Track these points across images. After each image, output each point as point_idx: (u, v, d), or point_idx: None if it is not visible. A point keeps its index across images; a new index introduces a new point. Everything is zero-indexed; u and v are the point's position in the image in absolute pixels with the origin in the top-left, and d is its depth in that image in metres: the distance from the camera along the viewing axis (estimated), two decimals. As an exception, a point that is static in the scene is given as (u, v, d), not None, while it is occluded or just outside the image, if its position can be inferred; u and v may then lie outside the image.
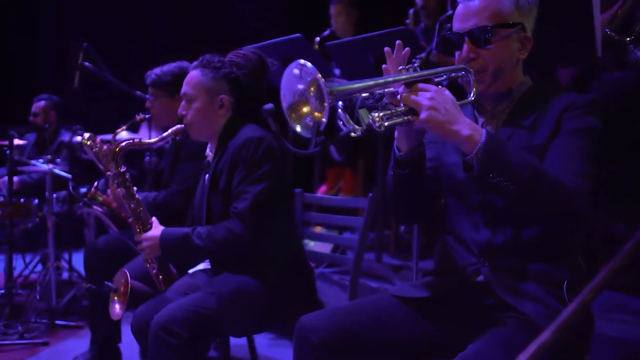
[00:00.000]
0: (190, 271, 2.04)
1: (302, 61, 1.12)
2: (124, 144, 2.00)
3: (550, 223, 1.29)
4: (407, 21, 3.85)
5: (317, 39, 4.07)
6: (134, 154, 3.73)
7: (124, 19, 6.11)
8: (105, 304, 1.94)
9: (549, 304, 1.30)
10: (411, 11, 3.85)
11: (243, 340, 2.35)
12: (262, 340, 2.77)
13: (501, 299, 1.32)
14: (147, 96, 2.64)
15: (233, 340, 2.21)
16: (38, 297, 3.20)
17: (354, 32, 3.98)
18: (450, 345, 1.39)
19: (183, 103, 1.95)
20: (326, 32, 4.13)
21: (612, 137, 1.53)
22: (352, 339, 1.36)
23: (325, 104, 1.09)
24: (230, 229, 1.78)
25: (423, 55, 2.31)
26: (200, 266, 2.04)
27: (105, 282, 1.93)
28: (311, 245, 2.98)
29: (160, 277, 1.97)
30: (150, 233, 1.90)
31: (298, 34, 3.00)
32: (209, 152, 2.00)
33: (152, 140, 2.03)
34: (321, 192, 4.10)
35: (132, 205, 1.98)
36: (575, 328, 1.26)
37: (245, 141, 1.82)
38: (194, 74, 1.93)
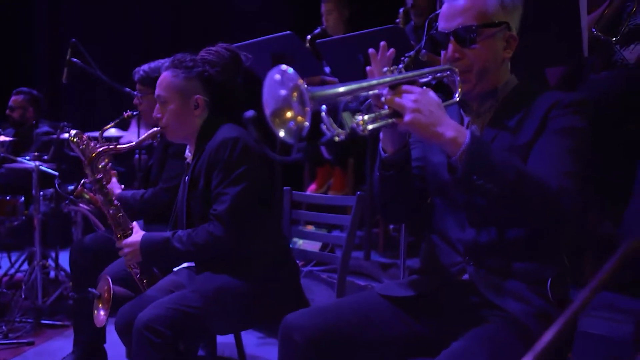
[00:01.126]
0: (175, 269, 2.03)
1: (283, 67, 1.11)
2: (100, 150, 1.98)
3: (536, 224, 1.29)
4: (397, 20, 3.85)
5: (308, 36, 4.06)
6: (123, 152, 3.71)
7: (121, 14, 6.05)
8: (90, 306, 1.93)
9: (533, 302, 1.30)
10: (401, 10, 3.85)
11: (230, 339, 2.34)
12: (250, 339, 2.76)
13: (486, 297, 1.33)
14: (135, 93, 2.62)
15: (220, 339, 2.20)
16: (23, 296, 3.16)
17: (345, 30, 3.97)
18: (436, 343, 1.39)
19: (157, 106, 1.92)
20: (317, 30, 4.12)
21: (600, 137, 1.53)
22: (337, 337, 1.36)
23: (307, 109, 1.08)
24: (210, 232, 1.77)
25: (412, 53, 2.30)
26: (184, 264, 2.02)
27: (89, 289, 1.92)
28: (300, 243, 2.97)
29: (144, 281, 1.96)
30: (130, 239, 1.88)
31: (289, 31, 2.99)
32: (188, 154, 1.98)
33: (127, 145, 2.01)
34: (311, 190, 4.09)
35: (111, 212, 1.96)
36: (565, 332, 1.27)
37: (222, 142, 1.80)
38: (166, 76, 1.90)
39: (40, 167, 3.20)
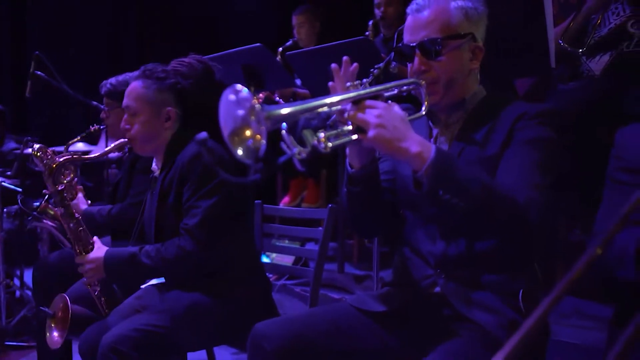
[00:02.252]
0: (143, 286, 1.97)
1: (238, 86, 1.08)
2: (61, 160, 1.92)
3: (504, 236, 1.29)
4: (367, 32, 3.87)
5: (280, 49, 4.05)
6: (92, 166, 3.63)
7: (86, 27, 5.95)
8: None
9: (505, 313, 1.30)
10: (370, 22, 3.87)
11: (203, 356, 2.29)
12: (223, 356, 2.70)
13: (457, 310, 1.32)
14: (102, 107, 2.57)
15: (193, 356, 2.15)
16: (-14, 316, 3.05)
17: (316, 42, 3.97)
18: (409, 356, 1.38)
19: (126, 117, 1.87)
20: (289, 43, 4.12)
21: (568, 145, 1.55)
22: (307, 346, 1.34)
23: (263, 128, 1.05)
24: (181, 247, 1.72)
25: (381, 65, 2.31)
26: (153, 281, 1.97)
27: (41, 307, 1.84)
28: (273, 257, 2.94)
29: (103, 299, 1.89)
30: (92, 254, 1.82)
31: (258, 44, 2.97)
32: (154, 167, 1.94)
33: (92, 155, 1.95)
34: (284, 203, 4.06)
35: (72, 225, 1.90)
36: (533, 336, 1.26)
37: (195, 155, 1.75)
38: (136, 86, 1.85)
39: (3, 183, 3.10)
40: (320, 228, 2.12)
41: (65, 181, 2.00)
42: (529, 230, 1.22)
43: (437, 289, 1.38)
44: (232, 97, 1.09)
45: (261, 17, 5.08)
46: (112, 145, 1.91)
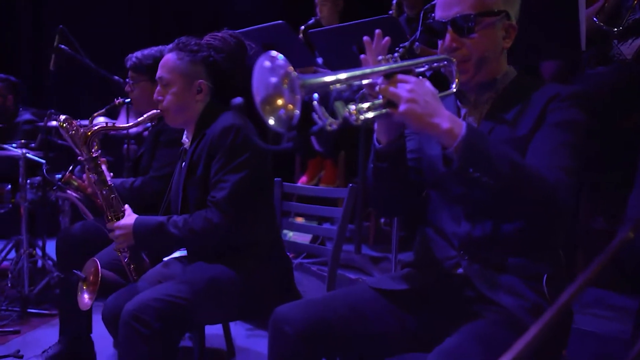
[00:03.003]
0: (166, 259, 2.00)
1: (273, 53, 1.07)
2: (96, 127, 1.94)
3: (532, 217, 1.27)
4: (390, 12, 3.82)
5: (302, 27, 4.02)
6: (112, 141, 3.66)
7: (105, 1, 5.97)
8: (75, 290, 1.89)
9: (528, 297, 1.29)
10: (394, 2, 3.82)
11: (219, 330, 2.32)
12: (239, 331, 2.74)
13: (480, 292, 1.31)
14: (127, 80, 2.57)
15: (209, 330, 2.18)
16: (10, 284, 3.13)
17: (338, 21, 3.93)
18: (428, 338, 1.38)
19: (158, 88, 1.89)
20: (311, 21, 4.08)
21: (594, 131, 1.52)
22: (328, 330, 1.34)
23: (298, 97, 1.04)
24: (208, 219, 1.73)
25: (407, 44, 2.27)
26: (176, 254, 1.99)
27: (74, 270, 1.88)
28: (290, 235, 2.95)
29: (132, 266, 1.92)
30: (123, 221, 1.85)
31: (280, 21, 2.95)
32: (185, 139, 1.95)
33: (127, 124, 1.97)
34: (301, 182, 4.06)
35: (104, 192, 1.93)
36: (556, 323, 1.26)
37: (225, 129, 1.76)
38: (170, 58, 1.87)
39: (27, 155, 3.15)
40: (339, 208, 2.12)
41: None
42: (556, 211, 1.21)
43: (460, 270, 1.37)
44: (267, 63, 1.08)
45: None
46: (145, 115, 1.92)
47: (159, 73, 1.88)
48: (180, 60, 1.85)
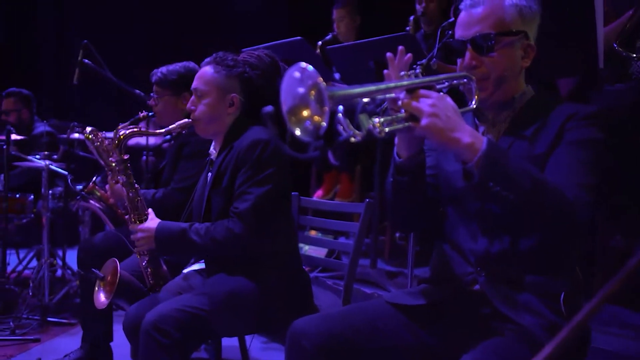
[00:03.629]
0: (185, 271, 2.03)
1: (303, 64, 1.10)
2: (128, 131, 2.00)
3: (550, 234, 1.28)
4: (407, 28, 3.85)
5: (319, 42, 4.07)
6: (130, 152, 3.72)
7: (126, 16, 6.10)
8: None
9: (545, 315, 1.29)
10: (411, 18, 3.85)
11: (235, 342, 2.34)
12: (254, 344, 2.75)
13: (497, 309, 1.31)
14: (152, 94, 2.63)
15: (225, 342, 2.20)
16: (31, 293, 3.18)
17: (356, 37, 3.98)
18: (445, 354, 1.38)
19: (192, 98, 1.94)
20: (328, 37, 4.13)
21: (612, 149, 1.52)
22: (345, 345, 1.35)
23: (326, 108, 1.07)
24: (229, 229, 1.76)
25: (424, 61, 2.30)
26: (195, 266, 2.02)
27: (93, 269, 1.92)
28: (306, 249, 2.97)
29: (149, 269, 1.95)
30: (146, 224, 1.89)
31: (299, 37, 2.99)
32: (212, 150, 1.99)
33: (158, 131, 2.03)
34: (317, 196, 4.08)
35: (131, 194, 1.98)
36: (572, 341, 1.26)
37: (253, 142, 1.81)
38: (207, 70, 1.93)
39: (51, 166, 3.22)
40: (355, 222, 2.13)
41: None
42: (575, 228, 1.22)
43: (477, 287, 1.37)
44: (296, 74, 1.11)
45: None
46: (176, 124, 1.97)
47: (194, 84, 1.94)
48: (217, 73, 1.91)
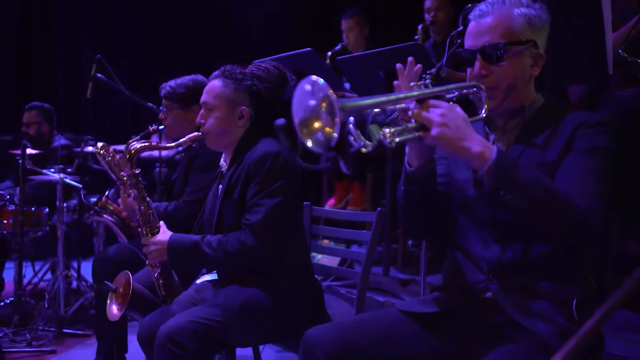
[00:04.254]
0: (198, 281, 2.04)
1: (314, 77, 1.12)
2: (139, 146, 2.02)
3: (562, 241, 1.28)
4: (416, 37, 3.87)
5: (329, 53, 4.10)
6: (143, 164, 3.77)
7: (137, 31, 6.19)
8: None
9: (559, 322, 1.29)
10: (420, 27, 3.87)
11: (249, 352, 2.34)
12: (268, 353, 2.75)
13: (510, 316, 1.31)
14: (161, 108, 2.67)
15: (238, 352, 2.20)
16: (46, 305, 3.21)
17: (365, 47, 4.00)
18: (458, 362, 1.38)
19: (202, 112, 1.96)
20: (338, 47, 4.16)
21: (623, 155, 1.52)
22: (358, 354, 1.36)
23: (337, 120, 1.09)
24: (241, 241, 1.78)
25: (433, 70, 2.31)
26: (207, 277, 2.04)
27: (105, 281, 1.94)
28: (318, 258, 2.98)
29: (161, 281, 1.97)
30: (158, 237, 1.91)
31: (309, 48, 3.02)
32: (223, 162, 2.01)
33: (169, 144, 2.05)
34: (329, 205, 4.10)
35: (142, 208, 2.00)
36: (586, 347, 1.25)
37: (263, 155, 1.82)
38: (216, 84, 1.95)
39: (65, 179, 3.26)
40: (367, 231, 2.14)
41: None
42: (586, 236, 1.22)
43: (489, 294, 1.37)
44: (307, 87, 1.13)
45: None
46: (186, 137, 1.99)
47: (203, 98, 1.96)
48: (226, 87, 1.93)
